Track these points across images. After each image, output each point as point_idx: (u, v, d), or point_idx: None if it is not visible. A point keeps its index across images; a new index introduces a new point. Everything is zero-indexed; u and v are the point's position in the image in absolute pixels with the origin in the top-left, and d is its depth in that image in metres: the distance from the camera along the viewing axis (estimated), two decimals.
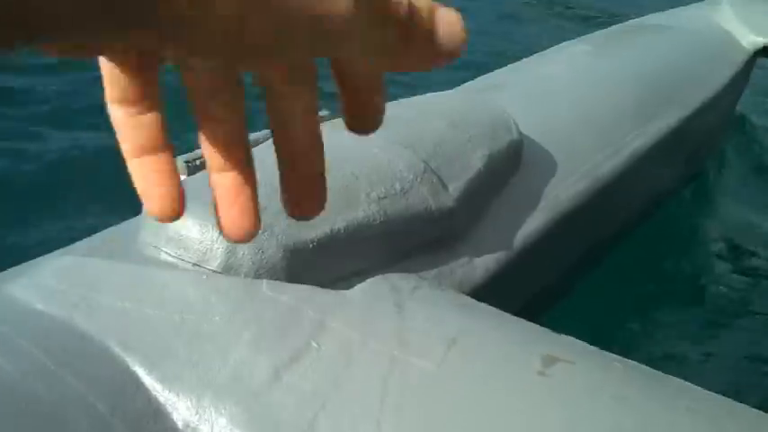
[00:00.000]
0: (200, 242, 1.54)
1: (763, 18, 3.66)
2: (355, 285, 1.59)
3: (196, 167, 1.81)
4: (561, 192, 2.20)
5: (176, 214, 0.49)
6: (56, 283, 1.54)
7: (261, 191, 1.57)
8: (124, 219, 1.81)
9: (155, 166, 0.49)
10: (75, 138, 3.76)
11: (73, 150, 3.65)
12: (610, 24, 3.53)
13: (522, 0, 6.97)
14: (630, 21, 3.59)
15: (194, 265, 1.55)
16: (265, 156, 1.82)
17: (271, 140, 0.50)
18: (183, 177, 1.80)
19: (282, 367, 1.39)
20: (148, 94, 0.48)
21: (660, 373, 1.53)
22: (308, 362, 1.40)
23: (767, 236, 3.34)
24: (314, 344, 1.43)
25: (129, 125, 0.49)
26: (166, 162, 0.49)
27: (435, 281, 1.75)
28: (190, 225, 1.56)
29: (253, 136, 2.09)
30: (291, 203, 0.52)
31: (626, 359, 1.56)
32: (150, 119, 0.49)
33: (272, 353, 1.41)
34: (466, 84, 2.70)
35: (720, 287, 2.96)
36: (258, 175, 1.52)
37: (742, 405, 1.47)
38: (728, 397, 1.52)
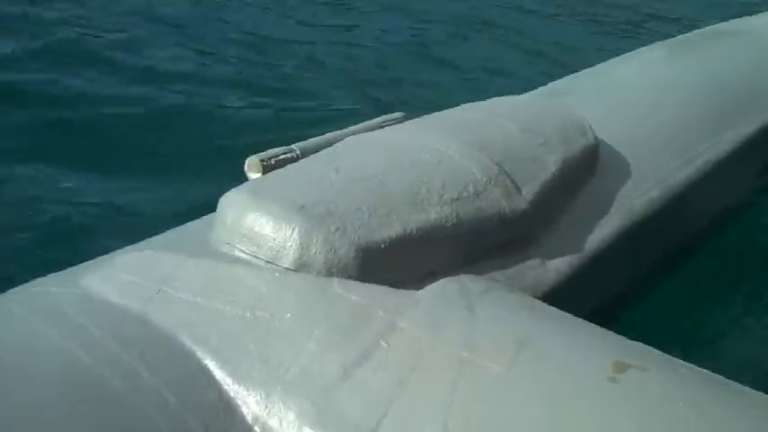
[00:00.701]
0: (274, 240, 1.56)
1: None
2: (426, 286, 1.59)
3: (271, 166, 1.83)
4: (636, 198, 2.18)
5: None
6: (131, 277, 1.56)
7: (334, 188, 1.57)
8: None
9: None
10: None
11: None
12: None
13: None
14: (705, 27, 3.52)
15: (267, 262, 1.56)
16: (345, 150, 1.81)
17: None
18: (257, 175, 1.82)
19: (351, 366, 1.40)
20: None
21: (733, 382, 1.51)
22: (376, 361, 1.41)
23: None
24: (383, 344, 1.43)
25: None
26: None
27: (506, 283, 1.74)
28: (263, 222, 1.57)
29: (383, 117, 2.11)
30: None
31: (698, 367, 1.54)
32: None
33: (342, 351, 1.42)
34: (539, 88, 2.68)
35: None
36: (341, 167, 1.51)
37: None
38: None
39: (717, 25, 3.54)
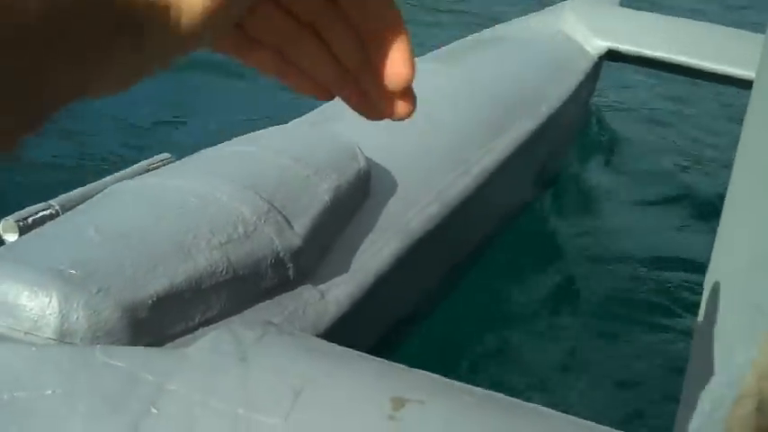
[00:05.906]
0: (31, 309, 1.47)
1: (605, 21, 3.70)
2: (198, 340, 1.54)
3: (28, 227, 1.73)
4: (412, 217, 2.17)
5: None
6: None
7: (94, 246, 1.46)
8: None
9: None
10: None
11: None
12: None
13: None
14: (474, 35, 3.55)
15: (26, 333, 1.47)
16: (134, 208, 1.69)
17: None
18: (13, 238, 1.72)
19: None
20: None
21: (515, 399, 1.52)
22: (147, 431, 1.34)
23: (613, 237, 3.34)
24: (153, 410, 1.37)
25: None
26: None
27: (286, 324, 1.70)
28: (18, 291, 1.48)
29: (149, 161, 2.00)
30: (389, 101, 0.48)
31: (477, 388, 1.54)
32: None
33: (109, 425, 1.35)
34: (308, 114, 2.64)
35: (577, 303, 2.90)
36: (101, 222, 1.40)
37: (602, 427, 1.47)
38: (587, 416, 1.52)
39: (483, 32, 3.59)
